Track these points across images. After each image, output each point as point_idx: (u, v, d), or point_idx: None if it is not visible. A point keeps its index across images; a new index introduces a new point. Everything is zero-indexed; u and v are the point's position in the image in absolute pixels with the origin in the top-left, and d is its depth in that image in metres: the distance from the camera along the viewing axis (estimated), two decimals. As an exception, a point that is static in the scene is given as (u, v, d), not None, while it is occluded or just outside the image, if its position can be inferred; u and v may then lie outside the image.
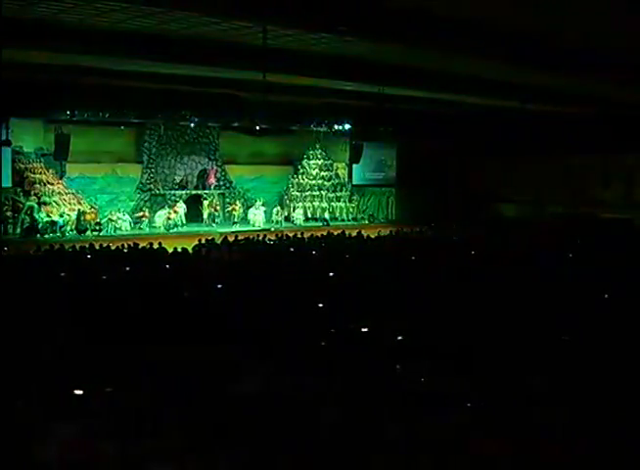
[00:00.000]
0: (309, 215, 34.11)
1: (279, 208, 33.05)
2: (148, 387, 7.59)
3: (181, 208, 30.53)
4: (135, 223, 29.59)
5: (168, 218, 29.82)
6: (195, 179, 32.66)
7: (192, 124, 30.62)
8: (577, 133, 31.16)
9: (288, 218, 33.30)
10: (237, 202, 32.65)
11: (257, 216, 31.88)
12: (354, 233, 25.46)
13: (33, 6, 15.66)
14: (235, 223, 31.40)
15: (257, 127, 28.33)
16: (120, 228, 28.70)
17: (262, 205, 32.45)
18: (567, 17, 15.73)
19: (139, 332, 9.85)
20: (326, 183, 35.08)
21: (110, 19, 16.80)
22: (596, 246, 21.97)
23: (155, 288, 13.84)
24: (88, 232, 27.51)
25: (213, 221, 31.34)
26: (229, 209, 32.49)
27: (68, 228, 27.41)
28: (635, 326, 10.52)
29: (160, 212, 30.11)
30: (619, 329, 10.44)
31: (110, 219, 28.65)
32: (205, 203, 31.75)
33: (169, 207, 30.44)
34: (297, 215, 33.38)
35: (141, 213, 30.06)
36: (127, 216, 29.39)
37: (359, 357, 8.86)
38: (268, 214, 32.39)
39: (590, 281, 14.79)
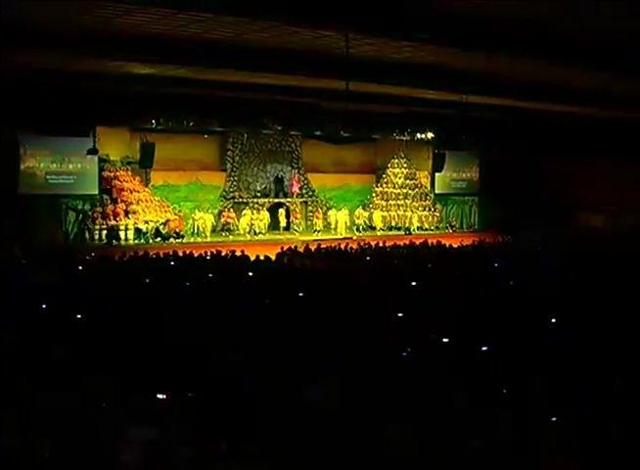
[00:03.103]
0: (392, 224, 34.02)
1: (361, 210, 33.12)
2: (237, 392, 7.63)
3: (264, 215, 30.70)
4: (220, 230, 29.87)
5: (251, 221, 30.04)
6: (277, 187, 32.77)
7: (275, 133, 30.82)
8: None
9: (370, 226, 33.25)
10: (319, 210, 32.78)
11: (340, 218, 31.99)
12: (436, 242, 25.29)
13: (118, 17, 15.94)
14: (317, 231, 31.47)
15: (342, 136, 28.47)
16: (204, 229, 29.00)
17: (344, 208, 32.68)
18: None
19: (221, 336, 9.93)
20: (409, 192, 34.95)
21: (193, 29, 17.00)
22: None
23: (236, 295, 13.91)
24: (171, 239, 27.81)
25: (295, 229, 31.45)
26: (311, 217, 32.66)
27: (153, 235, 27.75)
28: None
29: (244, 212, 30.33)
30: None
31: (193, 218, 29.03)
32: (284, 211, 31.85)
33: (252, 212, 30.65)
34: (379, 223, 33.37)
35: (226, 215, 30.30)
36: (210, 215, 29.67)
37: (440, 368, 8.79)
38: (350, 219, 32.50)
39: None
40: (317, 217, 32.16)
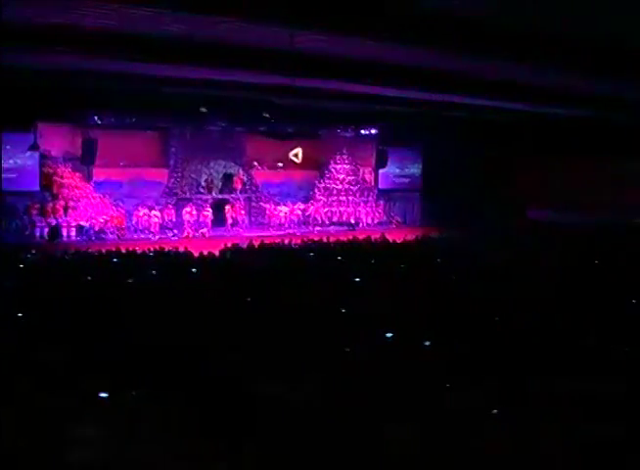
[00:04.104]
0: (336, 220, 34.10)
1: (305, 206, 33.25)
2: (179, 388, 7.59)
3: (208, 212, 30.64)
4: (164, 227, 29.75)
5: (195, 217, 30.01)
6: (220, 183, 32.70)
7: (219, 128, 30.73)
8: (613, 139, 30.98)
9: (314, 221, 33.33)
10: (263, 206, 32.84)
11: (283, 215, 32.10)
12: (380, 237, 25.37)
13: (67, 12, 15.75)
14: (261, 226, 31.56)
15: (286, 132, 28.51)
16: (149, 226, 28.93)
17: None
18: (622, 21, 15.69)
19: (165, 333, 9.87)
20: (352, 188, 35.06)
21: (139, 24, 16.85)
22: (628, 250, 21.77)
23: (180, 291, 13.85)
24: (113, 236, 27.64)
25: (238, 226, 31.43)
26: (255, 213, 32.73)
27: (95, 232, 27.53)
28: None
29: (186, 209, 30.26)
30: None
31: (136, 215, 28.91)
32: (228, 207, 31.81)
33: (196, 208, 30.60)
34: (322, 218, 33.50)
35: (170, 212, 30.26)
36: (153, 212, 29.56)
37: (384, 363, 8.82)
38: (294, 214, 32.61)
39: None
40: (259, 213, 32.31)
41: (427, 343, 9.92)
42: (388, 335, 10.37)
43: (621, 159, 32.22)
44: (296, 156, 32.82)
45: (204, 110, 28.12)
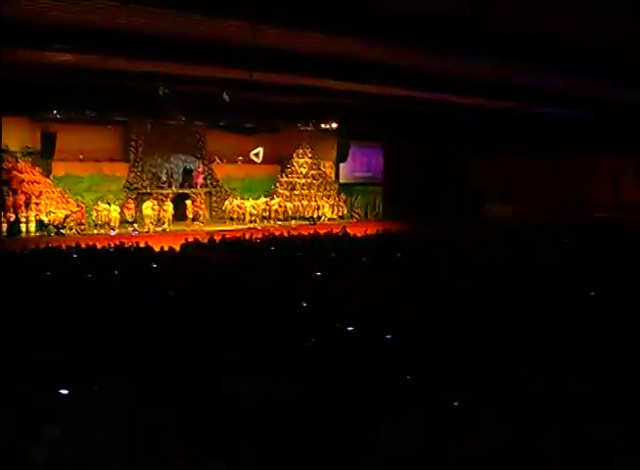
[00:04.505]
0: (297, 214, 34.10)
1: (266, 200, 33.28)
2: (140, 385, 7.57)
3: (169, 206, 30.54)
4: (124, 222, 29.59)
5: (155, 212, 29.89)
6: (181, 178, 32.58)
7: (179, 123, 30.60)
8: (572, 134, 31.30)
9: (275, 216, 33.32)
10: (224, 201, 32.82)
11: (245, 209, 32.14)
12: (341, 232, 25.43)
13: (22, 4, 15.60)
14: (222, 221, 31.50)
15: (246, 126, 28.46)
16: (109, 221, 28.77)
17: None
18: (564, 18, 15.76)
19: (126, 329, 9.83)
20: (314, 182, 35.10)
21: (96, 17, 16.71)
22: (588, 245, 22.02)
23: (141, 287, 13.80)
24: (73, 231, 27.46)
25: (199, 220, 31.37)
26: (216, 207, 32.72)
27: (55, 227, 27.33)
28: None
29: (148, 203, 30.12)
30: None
31: (96, 210, 28.75)
32: (189, 202, 31.73)
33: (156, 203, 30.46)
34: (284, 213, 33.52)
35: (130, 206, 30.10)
36: (114, 207, 29.40)
37: (346, 356, 8.85)
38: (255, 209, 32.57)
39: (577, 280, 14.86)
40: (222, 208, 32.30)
41: (388, 336, 9.96)
42: (350, 328, 10.41)
43: (580, 155, 32.50)
44: (256, 155, 32.75)
45: (163, 91, 28.05)
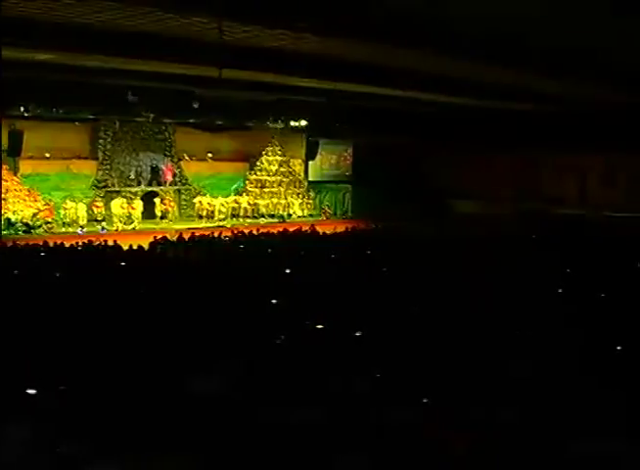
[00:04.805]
0: (266, 212, 34.06)
1: (236, 198, 33.24)
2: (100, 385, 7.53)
3: (137, 204, 30.43)
4: (93, 220, 29.44)
5: (124, 210, 29.76)
6: (150, 176, 32.45)
7: (147, 120, 30.49)
8: (533, 131, 31.55)
9: (245, 214, 33.30)
10: (194, 199, 32.77)
11: (214, 207, 32.12)
12: (310, 229, 25.45)
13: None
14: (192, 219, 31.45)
15: (215, 124, 28.40)
16: (77, 219, 28.62)
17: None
18: (521, 15, 15.83)
19: (91, 328, 9.78)
20: (283, 179, 35.06)
21: (64, 13, 16.62)
22: (549, 241, 22.22)
23: (111, 284, 13.75)
24: (40, 230, 27.29)
25: (168, 218, 31.29)
26: (185, 205, 32.67)
27: (22, 225, 27.14)
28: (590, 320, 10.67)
29: (117, 201, 30.01)
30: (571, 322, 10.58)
31: (64, 208, 28.58)
32: (158, 200, 31.64)
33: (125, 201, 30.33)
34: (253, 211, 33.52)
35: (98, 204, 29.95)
36: (82, 205, 29.25)
37: (315, 354, 8.86)
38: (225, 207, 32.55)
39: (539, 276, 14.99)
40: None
41: (357, 333, 9.99)
42: (319, 326, 10.42)
43: (546, 153, 32.74)
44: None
45: (132, 98, 27.88)
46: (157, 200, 31.58)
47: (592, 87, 24.61)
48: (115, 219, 29.54)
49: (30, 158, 28.68)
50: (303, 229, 25.53)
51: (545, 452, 6.23)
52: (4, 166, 28.10)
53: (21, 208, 27.53)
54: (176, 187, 33.02)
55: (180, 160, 33.33)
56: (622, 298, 12.97)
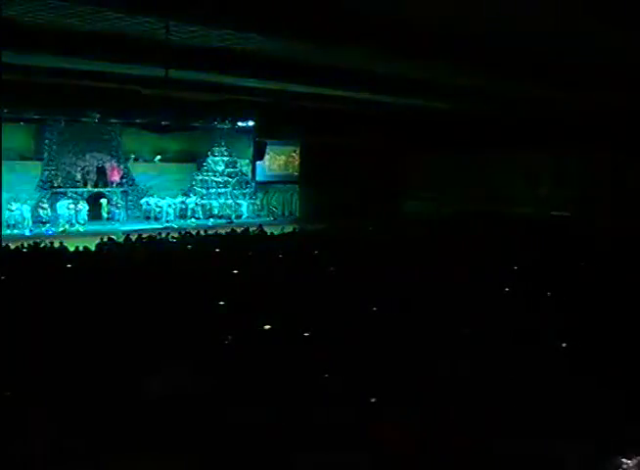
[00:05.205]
0: (213, 213, 33.95)
1: (182, 199, 33.13)
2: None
3: (83, 205, 30.19)
4: (38, 222, 29.15)
5: (69, 209, 29.50)
6: (96, 177, 32.18)
7: (93, 121, 30.25)
8: (482, 131, 31.81)
9: (192, 214, 33.19)
10: (141, 200, 32.58)
11: (160, 208, 31.94)
12: (257, 230, 25.42)
13: None
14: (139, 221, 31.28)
15: (162, 124, 28.26)
16: (22, 221, 28.31)
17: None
18: (477, 15, 15.92)
19: (37, 331, 9.70)
20: (230, 180, 34.96)
21: (9, 11, 16.42)
22: (500, 241, 22.41)
23: (56, 287, 13.64)
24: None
25: (115, 220, 31.09)
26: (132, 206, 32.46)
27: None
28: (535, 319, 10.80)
29: (61, 202, 29.75)
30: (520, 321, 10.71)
31: (9, 210, 28.23)
32: (104, 201, 31.43)
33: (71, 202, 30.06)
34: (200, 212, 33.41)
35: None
36: (27, 206, 28.94)
37: (263, 355, 8.86)
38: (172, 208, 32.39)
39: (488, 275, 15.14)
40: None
41: (306, 334, 10.01)
42: (267, 326, 10.42)
43: (499, 152, 33.00)
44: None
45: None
46: (103, 201, 31.37)
47: (545, 88, 24.81)
48: (62, 221, 29.28)
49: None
50: (251, 230, 25.49)
51: (484, 451, 6.30)
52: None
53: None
54: (123, 188, 32.79)
55: (127, 160, 33.13)
56: (568, 296, 13.15)
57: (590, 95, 25.68)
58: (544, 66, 20.99)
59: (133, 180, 33.26)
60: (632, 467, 2.06)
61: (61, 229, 28.69)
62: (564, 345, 9.69)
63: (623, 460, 2.10)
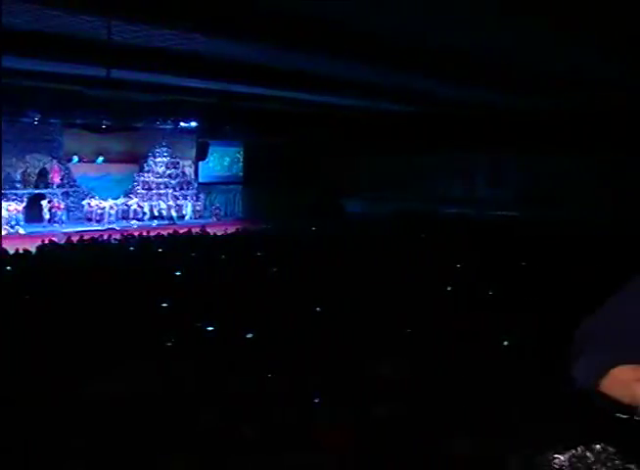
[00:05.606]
0: (156, 214, 33.76)
1: (125, 200, 32.88)
2: None
3: (22, 207, 29.85)
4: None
5: (8, 211, 29.12)
6: (37, 178, 31.82)
7: (34, 121, 29.92)
8: (420, 132, 32.05)
9: (135, 215, 32.97)
10: (83, 201, 32.27)
11: (102, 210, 31.69)
12: (200, 231, 25.36)
13: None
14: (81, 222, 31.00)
15: (103, 125, 28.06)
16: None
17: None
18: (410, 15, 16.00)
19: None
20: (172, 181, 34.78)
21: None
22: (437, 239, 22.63)
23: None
24: None
25: (56, 221, 30.75)
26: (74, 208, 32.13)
27: None
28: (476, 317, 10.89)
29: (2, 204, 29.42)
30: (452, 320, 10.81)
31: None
32: (45, 202, 31.09)
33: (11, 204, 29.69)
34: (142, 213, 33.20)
35: None
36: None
37: (206, 356, 8.84)
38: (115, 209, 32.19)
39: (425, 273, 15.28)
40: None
41: (249, 335, 10.00)
42: (210, 328, 10.40)
43: (435, 152, 33.26)
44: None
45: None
46: (44, 202, 31.01)
47: (480, 89, 25.04)
48: (2, 222, 28.89)
49: None
50: (193, 231, 25.41)
51: (423, 450, 6.35)
52: None
53: None
54: (64, 189, 32.44)
55: (68, 161, 32.78)
56: (508, 295, 13.30)
57: (527, 96, 26.01)
58: (479, 67, 21.15)
59: (75, 181, 32.92)
60: (565, 462, 2.11)
61: (5, 232, 28.32)
62: (505, 343, 9.79)
63: (556, 456, 2.16)
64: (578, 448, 2.19)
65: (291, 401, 7.33)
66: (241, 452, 6.33)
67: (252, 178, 35.61)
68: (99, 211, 31.89)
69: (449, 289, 14.43)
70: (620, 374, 2.21)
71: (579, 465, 2.20)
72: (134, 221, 32.25)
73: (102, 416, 6.77)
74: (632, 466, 2.17)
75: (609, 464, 2.17)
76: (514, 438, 6.03)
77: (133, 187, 34.39)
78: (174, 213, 33.87)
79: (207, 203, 35.85)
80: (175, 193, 34.57)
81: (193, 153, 35.15)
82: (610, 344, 2.30)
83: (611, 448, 2.17)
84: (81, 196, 32.67)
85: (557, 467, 2.24)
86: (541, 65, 20.42)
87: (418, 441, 6.45)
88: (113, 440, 6.38)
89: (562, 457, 2.24)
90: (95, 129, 31.83)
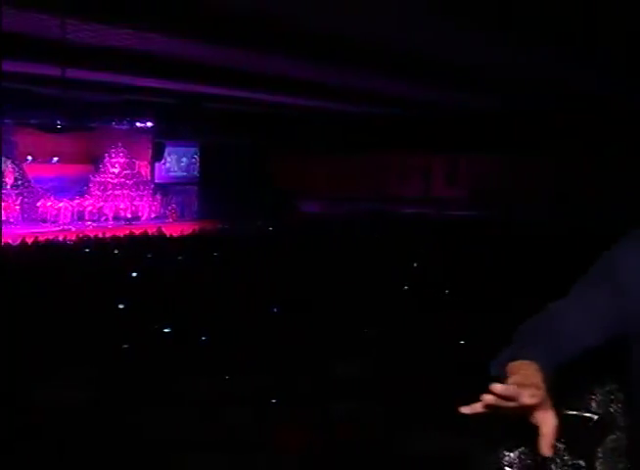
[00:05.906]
0: (111, 214, 33.56)
1: (80, 201, 32.63)
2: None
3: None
4: None
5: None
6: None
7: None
8: (376, 132, 32.21)
9: (89, 217, 32.75)
10: (37, 202, 31.98)
11: (57, 211, 31.43)
12: (157, 232, 25.27)
13: None
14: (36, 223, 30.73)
15: (58, 125, 27.84)
16: None
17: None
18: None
19: None
20: (128, 182, 34.60)
21: None
22: (393, 239, 22.74)
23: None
24: None
25: (10, 222, 30.47)
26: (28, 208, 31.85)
27: None
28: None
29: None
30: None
31: None
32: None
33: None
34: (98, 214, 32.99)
35: None
36: None
37: (162, 358, 8.82)
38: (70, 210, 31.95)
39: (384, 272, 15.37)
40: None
41: (203, 338, 10.00)
42: (166, 330, 10.37)
43: (390, 153, 33.42)
44: None
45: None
46: (-2, 203, 30.76)
47: (435, 90, 25.19)
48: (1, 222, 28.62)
49: None
50: (150, 232, 25.31)
51: (381, 450, 6.37)
52: None
53: None
54: (18, 190, 32.15)
55: (22, 161, 32.49)
56: (464, 294, 13.39)
57: (477, 96, 26.22)
58: (427, 66, 21.27)
59: (29, 182, 32.64)
60: (514, 459, 2.14)
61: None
62: (462, 342, 9.86)
63: (505, 453, 2.18)
64: (528, 445, 2.21)
65: (248, 402, 7.34)
66: (199, 453, 6.33)
67: (209, 179, 35.52)
68: (54, 213, 31.62)
69: (406, 288, 14.50)
70: (517, 364, 2.23)
71: (529, 462, 2.23)
72: (90, 222, 32.02)
73: (53, 422, 6.72)
74: (581, 462, 2.20)
75: (558, 460, 2.20)
76: (471, 437, 6.08)
77: (89, 188, 34.14)
78: (130, 214, 33.69)
79: (164, 203, 35.71)
80: (131, 193, 34.40)
81: (149, 153, 34.97)
82: (533, 339, 2.33)
83: (560, 445, 2.20)
84: (36, 197, 32.38)
85: (506, 464, 2.26)
86: (489, 65, 20.61)
87: (375, 440, 6.49)
88: (63, 446, 6.35)
89: (511, 455, 2.27)
90: (50, 129, 31.54)
